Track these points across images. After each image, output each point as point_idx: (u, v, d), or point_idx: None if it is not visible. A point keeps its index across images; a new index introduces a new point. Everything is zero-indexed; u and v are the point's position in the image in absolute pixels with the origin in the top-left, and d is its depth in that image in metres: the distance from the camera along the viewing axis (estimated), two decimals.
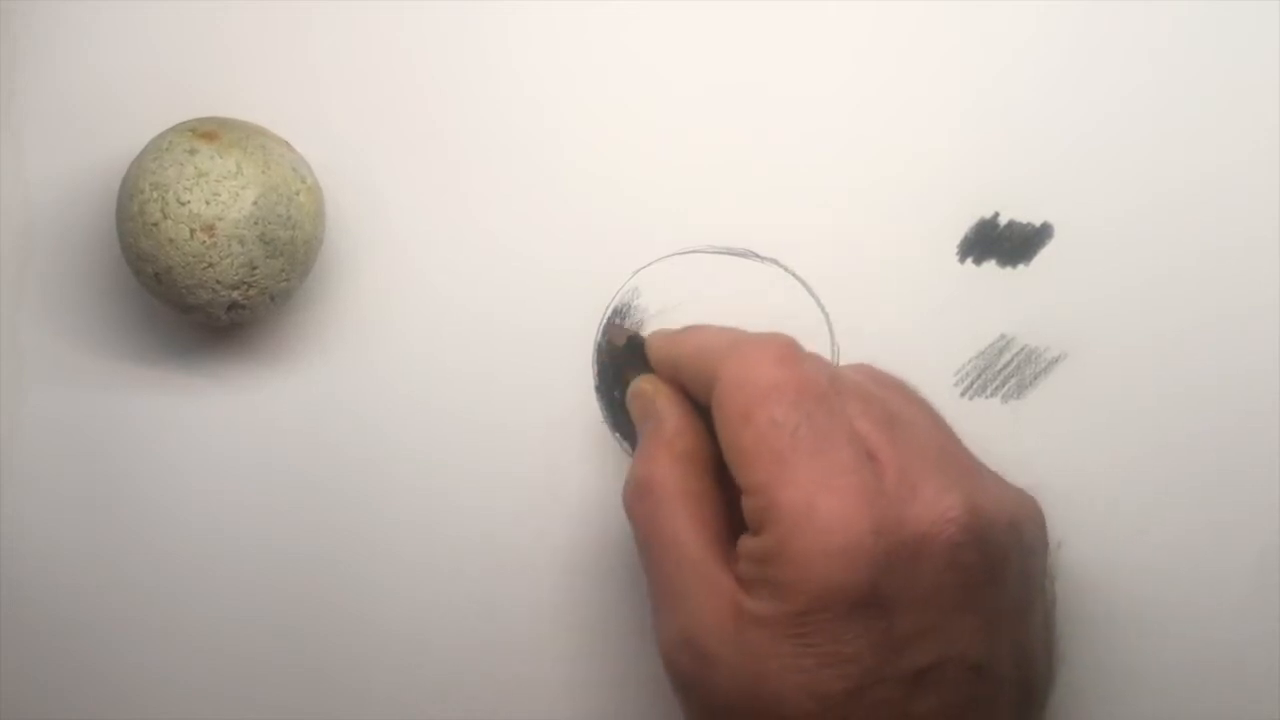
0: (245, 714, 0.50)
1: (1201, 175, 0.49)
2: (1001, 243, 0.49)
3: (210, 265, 0.46)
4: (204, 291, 0.46)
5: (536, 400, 0.50)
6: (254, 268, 0.46)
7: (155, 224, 0.46)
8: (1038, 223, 0.49)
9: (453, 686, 0.50)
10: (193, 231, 0.46)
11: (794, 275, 0.49)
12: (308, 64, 0.50)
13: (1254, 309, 0.49)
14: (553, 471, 0.50)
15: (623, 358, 0.49)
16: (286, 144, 0.48)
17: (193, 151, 0.46)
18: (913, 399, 0.45)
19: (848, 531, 0.40)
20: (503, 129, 0.50)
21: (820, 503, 0.40)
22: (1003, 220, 0.49)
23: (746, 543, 0.42)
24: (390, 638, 0.50)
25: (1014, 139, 0.49)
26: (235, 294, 0.47)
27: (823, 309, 0.49)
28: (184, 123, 0.48)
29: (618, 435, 0.50)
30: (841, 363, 0.48)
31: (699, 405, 0.45)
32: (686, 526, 0.43)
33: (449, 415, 0.50)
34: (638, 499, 0.44)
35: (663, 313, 0.49)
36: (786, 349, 0.43)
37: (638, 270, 0.50)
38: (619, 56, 0.50)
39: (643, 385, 0.47)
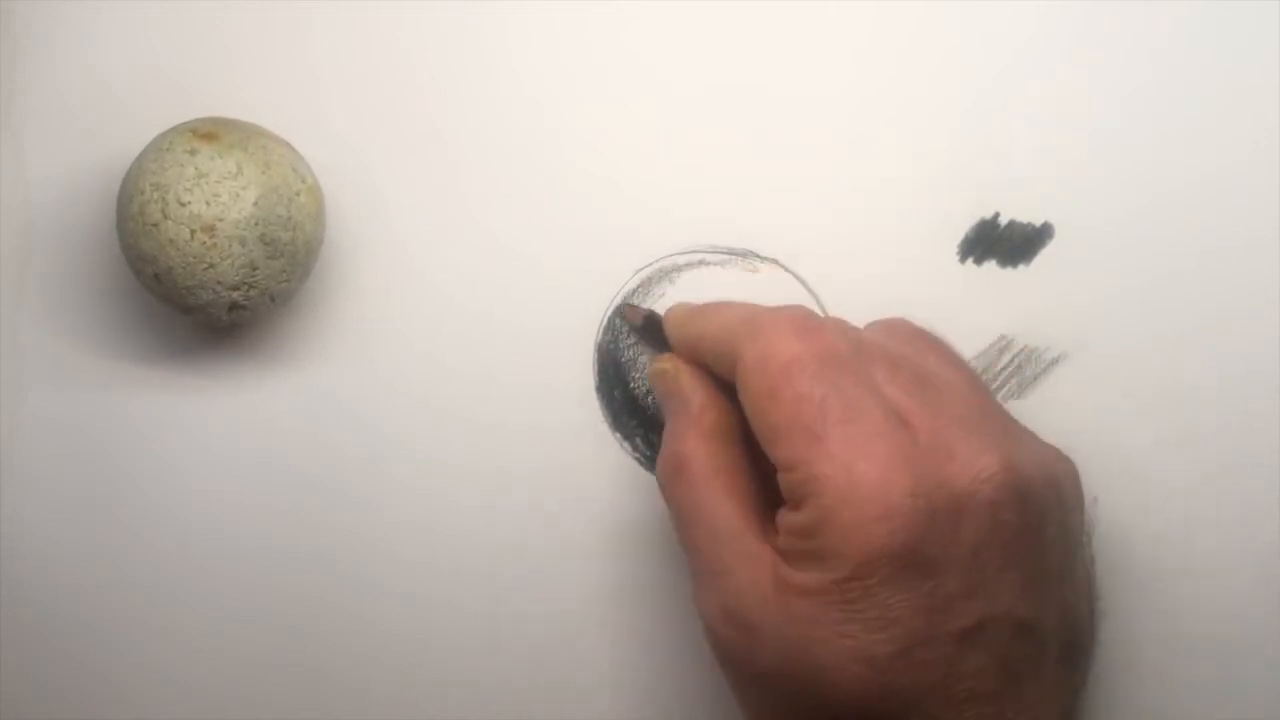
0: (245, 714, 0.50)
1: (1201, 175, 0.49)
2: (1001, 243, 0.49)
3: (211, 266, 0.46)
4: (204, 292, 0.46)
5: (536, 400, 0.50)
6: (254, 268, 0.46)
7: (155, 224, 0.46)
8: (1038, 223, 0.49)
9: (453, 686, 0.50)
10: (193, 232, 0.46)
11: (794, 275, 0.49)
12: (308, 64, 0.50)
13: (1254, 309, 0.49)
14: (553, 471, 0.50)
15: (641, 335, 0.49)
16: (286, 144, 0.48)
17: (193, 152, 0.46)
18: (947, 357, 0.45)
19: (887, 496, 0.40)
20: (503, 129, 0.50)
21: (858, 470, 0.40)
22: (1003, 220, 0.49)
23: (786, 517, 0.42)
24: (390, 638, 0.50)
25: (1014, 139, 0.49)
26: (236, 294, 0.47)
27: (822, 309, 0.49)
28: (184, 123, 0.48)
29: (618, 435, 0.50)
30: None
31: (721, 380, 0.45)
32: (721, 501, 0.43)
33: (449, 415, 0.50)
34: (671, 478, 0.44)
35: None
36: (803, 320, 0.43)
37: (638, 270, 0.50)
38: (619, 56, 0.50)
39: (664, 365, 0.47)
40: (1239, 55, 0.49)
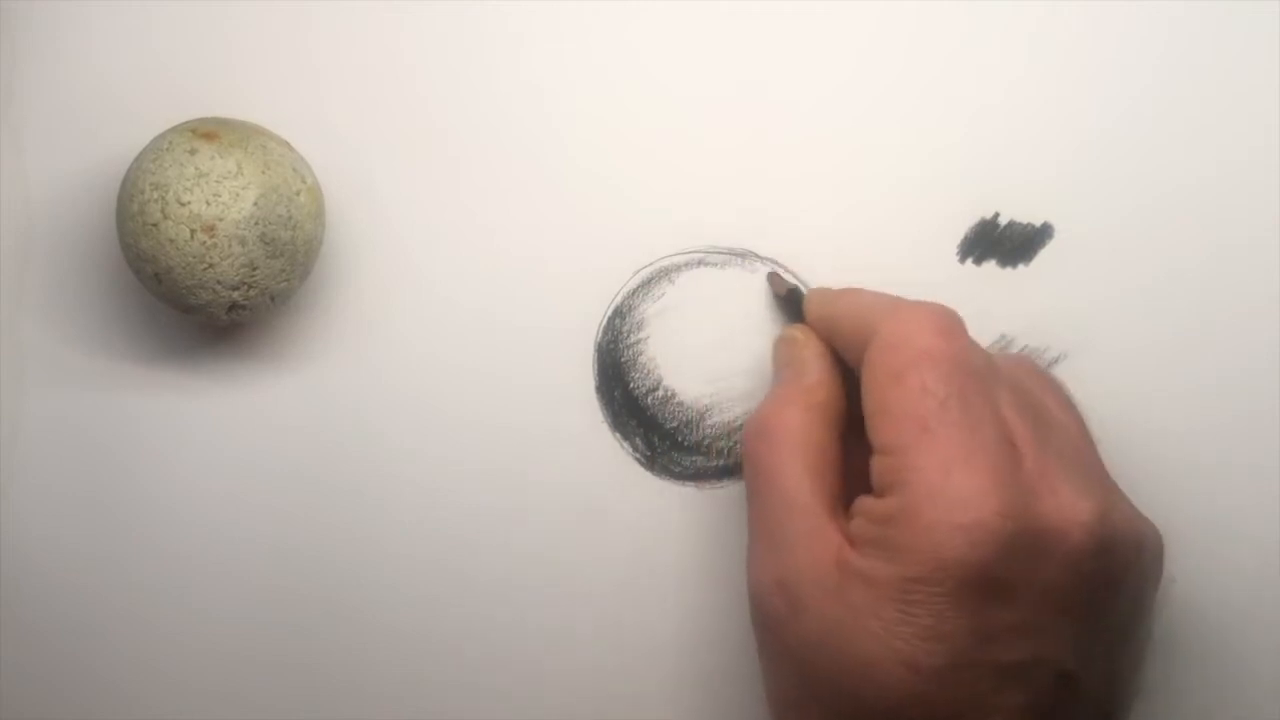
0: (246, 713, 0.50)
1: (1201, 175, 0.49)
2: (1001, 243, 0.49)
3: (210, 265, 0.46)
4: (204, 292, 0.46)
5: (536, 400, 0.50)
6: (254, 268, 0.46)
7: (155, 224, 0.46)
8: (1038, 223, 0.49)
9: (453, 686, 0.50)
10: (193, 232, 0.46)
11: (794, 275, 0.49)
12: (308, 64, 0.50)
13: (1254, 309, 0.49)
14: (553, 471, 0.49)
15: (780, 305, 0.49)
16: (287, 144, 0.48)
17: (193, 151, 0.46)
18: (1066, 403, 0.46)
19: (977, 509, 0.40)
20: (503, 129, 0.50)
21: (955, 475, 0.40)
22: (1003, 220, 0.49)
23: (868, 502, 0.42)
24: (390, 637, 0.50)
25: (1014, 139, 0.49)
26: (235, 294, 0.47)
27: None
28: (184, 123, 0.48)
29: (618, 435, 0.50)
30: None
31: (844, 368, 0.45)
32: (802, 473, 0.43)
33: (449, 415, 0.50)
34: (759, 437, 0.44)
35: (663, 312, 0.49)
36: (950, 320, 0.43)
37: (638, 270, 0.50)
38: (620, 56, 0.50)
39: (795, 333, 0.47)
40: (1239, 55, 0.49)
